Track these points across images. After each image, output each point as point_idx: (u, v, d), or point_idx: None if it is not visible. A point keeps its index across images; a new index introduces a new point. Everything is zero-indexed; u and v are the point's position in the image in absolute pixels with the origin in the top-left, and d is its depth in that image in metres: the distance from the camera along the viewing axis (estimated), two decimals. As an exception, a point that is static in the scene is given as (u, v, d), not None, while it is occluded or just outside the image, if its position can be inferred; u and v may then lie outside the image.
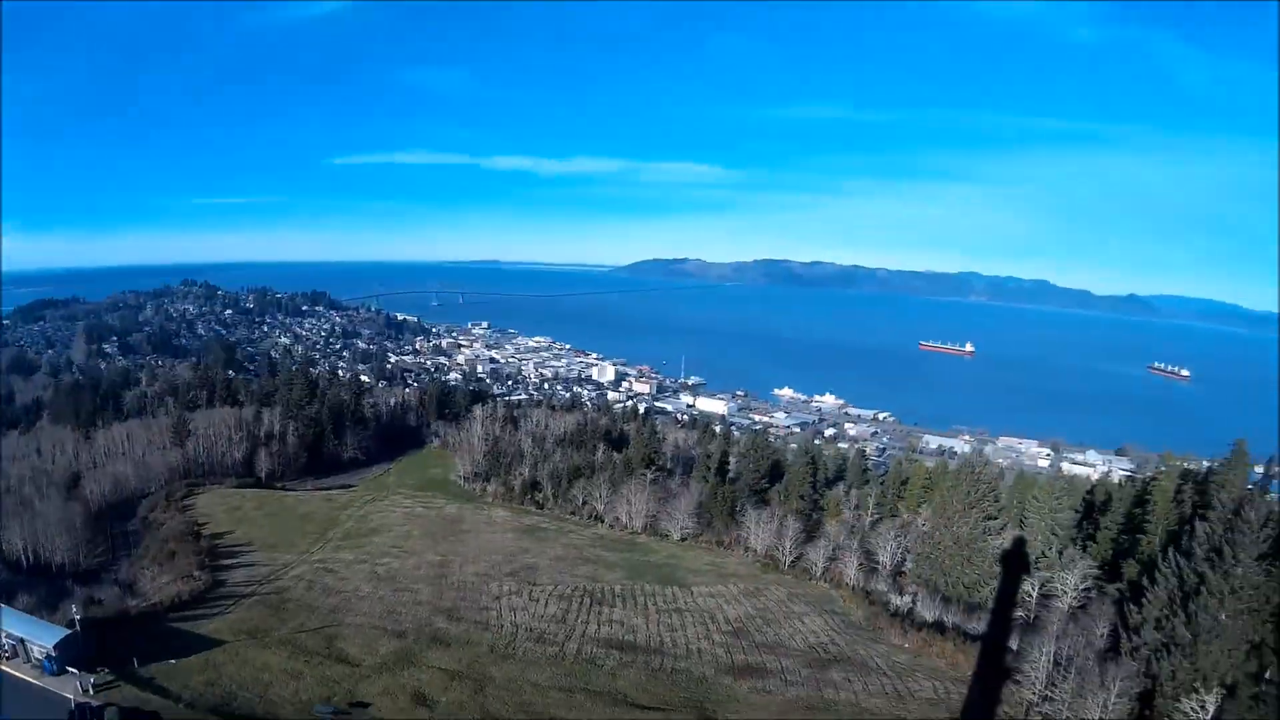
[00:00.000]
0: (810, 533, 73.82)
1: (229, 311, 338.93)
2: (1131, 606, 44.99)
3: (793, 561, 68.58)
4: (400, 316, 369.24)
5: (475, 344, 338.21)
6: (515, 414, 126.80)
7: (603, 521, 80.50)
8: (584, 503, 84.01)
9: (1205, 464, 69.52)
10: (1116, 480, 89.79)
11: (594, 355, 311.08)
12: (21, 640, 38.22)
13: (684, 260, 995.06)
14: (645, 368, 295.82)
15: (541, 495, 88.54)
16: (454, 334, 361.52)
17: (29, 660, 37.82)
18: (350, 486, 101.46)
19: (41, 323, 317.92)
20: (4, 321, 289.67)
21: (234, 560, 67.39)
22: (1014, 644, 51.36)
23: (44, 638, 38.32)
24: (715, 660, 47.57)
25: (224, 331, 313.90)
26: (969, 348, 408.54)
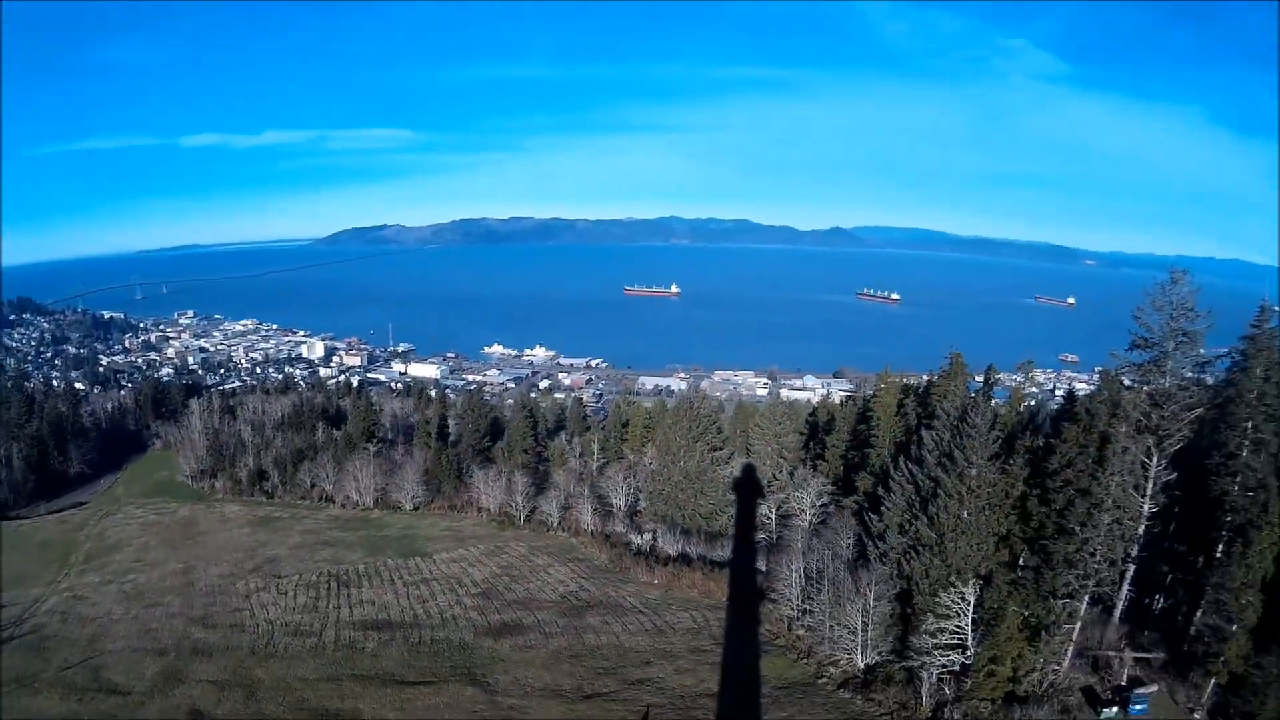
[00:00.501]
0: (540, 485, 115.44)
1: None
2: (872, 516, 69.18)
3: (528, 515, 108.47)
4: (106, 315, 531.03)
5: (183, 334, 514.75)
6: (231, 403, 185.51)
7: (334, 502, 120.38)
8: (312, 485, 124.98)
9: (924, 378, 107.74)
10: (837, 401, 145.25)
11: (302, 332, 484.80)
12: None
13: (382, 227, 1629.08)
14: (354, 340, 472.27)
15: (270, 484, 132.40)
16: (161, 327, 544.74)
17: None
18: (82, 504, 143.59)
19: None
20: None
21: None
22: (763, 565, 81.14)
23: None
24: (472, 624, 74.48)
25: None
26: (674, 289, 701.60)
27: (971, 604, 62.66)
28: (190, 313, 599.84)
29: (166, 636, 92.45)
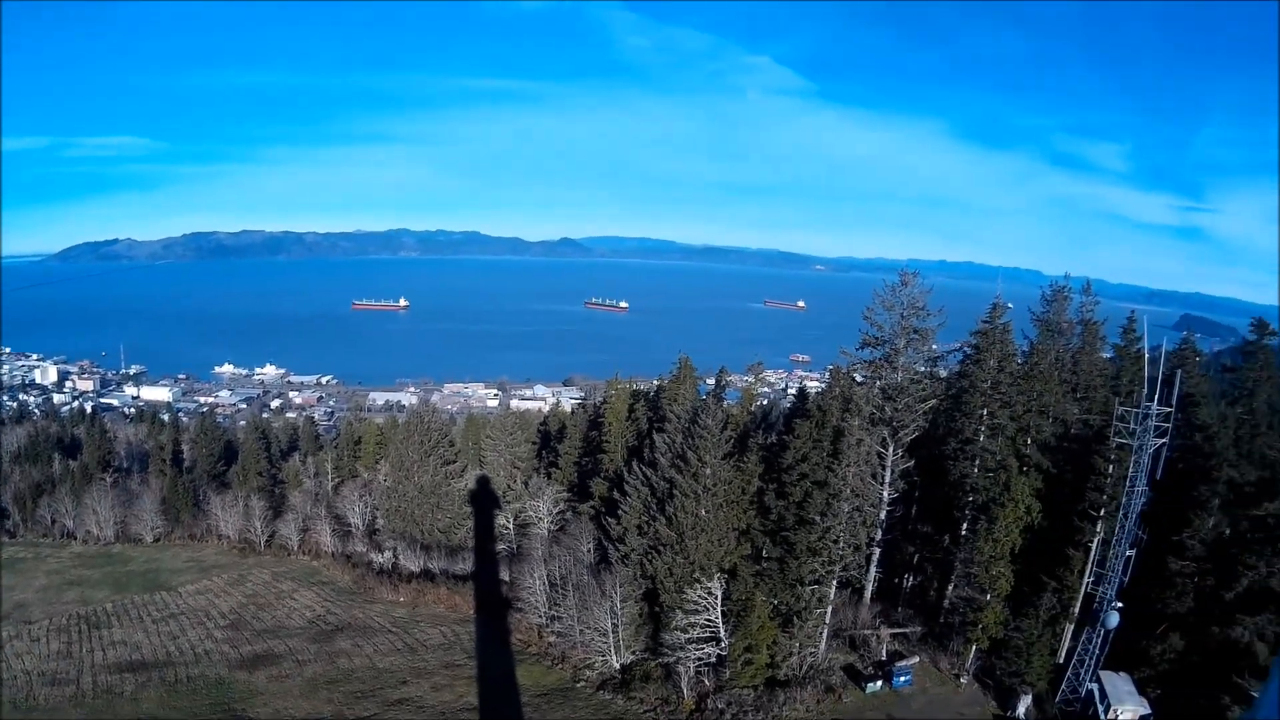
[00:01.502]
0: (277, 509, 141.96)
1: None
2: (610, 520, 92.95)
3: (268, 540, 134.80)
4: None
5: None
6: None
7: (75, 538, 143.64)
8: (53, 521, 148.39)
9: (655, 383, 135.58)
10: (568, 409, 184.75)
11: (35, 356, 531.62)
12: None
13: (114, 241, 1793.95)
14: (86, 363, 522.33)
15: (11, 522, 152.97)
16: None
17: None
18: None
19: None
20: None
21: None
22: (506, 575, 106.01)
23: None
24: (225, 658, 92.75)
25: None
26: (402, 302, 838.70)
27: (719, 597, 76.15)
28: None
29: None
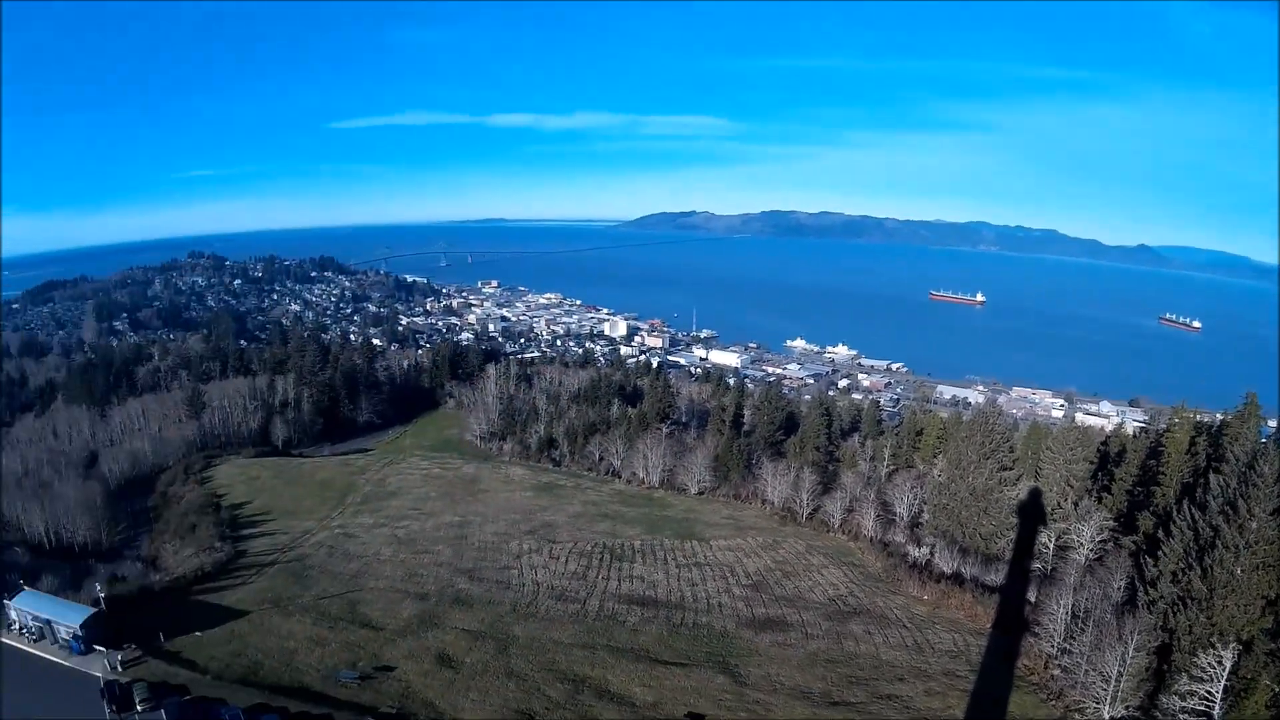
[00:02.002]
0: (827, 485, 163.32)
1: (238, 281, 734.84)
2: (1147, 559, 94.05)
3: (810, 514, 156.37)
4: (409, 279, 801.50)
5: (486, 303, 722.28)
6: (529, 372, 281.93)
7: (620, 477, 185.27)
8: (600, 459, 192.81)
9: (1218, 417, 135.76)
10: (1130, 432, 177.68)
11: (605, 310, 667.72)
12: (48, 622, 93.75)
13: (691, 213, 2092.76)
14: (657, 322, 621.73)
15: (558, 452, 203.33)
16: (464, 294, 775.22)
17: (56, 641, 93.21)
18: (367, 450, 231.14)
19: (50, 304, 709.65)
20: (13, 305, 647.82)
21: (254, 530, 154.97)
22: (1031, 596, 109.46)
23: (69, 618, 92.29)
24: (736, 614, 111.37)
25: (233, 302, 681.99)
26: (979, 297, 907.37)
27: (1226, 669, 72.63)
28: (494, 282, 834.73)
29: (430, 583, 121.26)
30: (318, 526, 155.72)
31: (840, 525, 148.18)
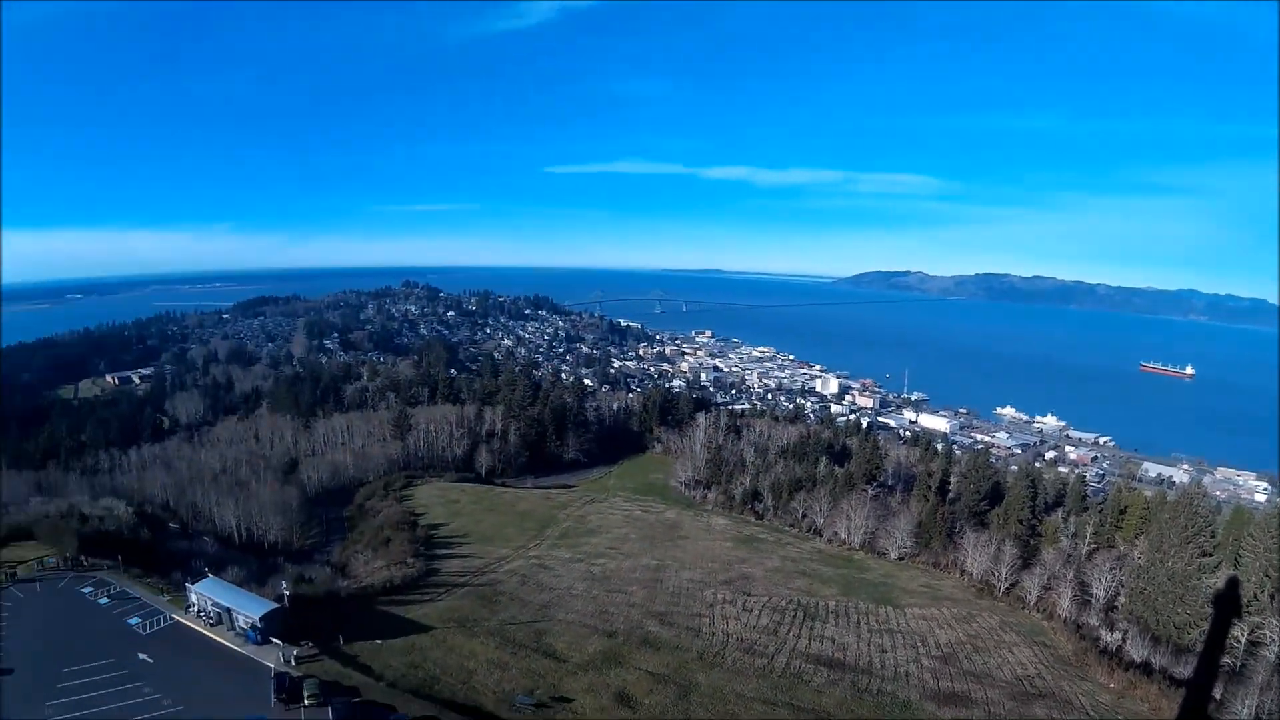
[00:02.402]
0: (1026, 559, 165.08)
1: (451, 313, 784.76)
2: None
3: (1007, 589, 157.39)
4: (623, 323, 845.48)
5: (698, 352, 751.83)
6: (738, 423, 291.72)
7: (821, 535, 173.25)
8: (803, 515, 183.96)
9: None
10: None
11: (818, 367, 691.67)
12: (228, 610, 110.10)
13: (905, 273, 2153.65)
14: (869, 381, 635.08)
15: (761, 506, 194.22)
16: (677, 341, 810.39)
17: (233, 629, 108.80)
18: (570, 487, 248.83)
19: (261, 317, 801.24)
20: (224, 315, 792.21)
21: (448, 551, 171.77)
22: (1218, 692, 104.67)
23: (250, 609, 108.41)
24: (921, 685, 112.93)
25: (445, 332, 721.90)
26: (1189, 370, 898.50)
27: None
28: (708, 332, 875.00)
29: (620, 621, 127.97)
30: (513, 555, 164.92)
31: (1036, 603, 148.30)
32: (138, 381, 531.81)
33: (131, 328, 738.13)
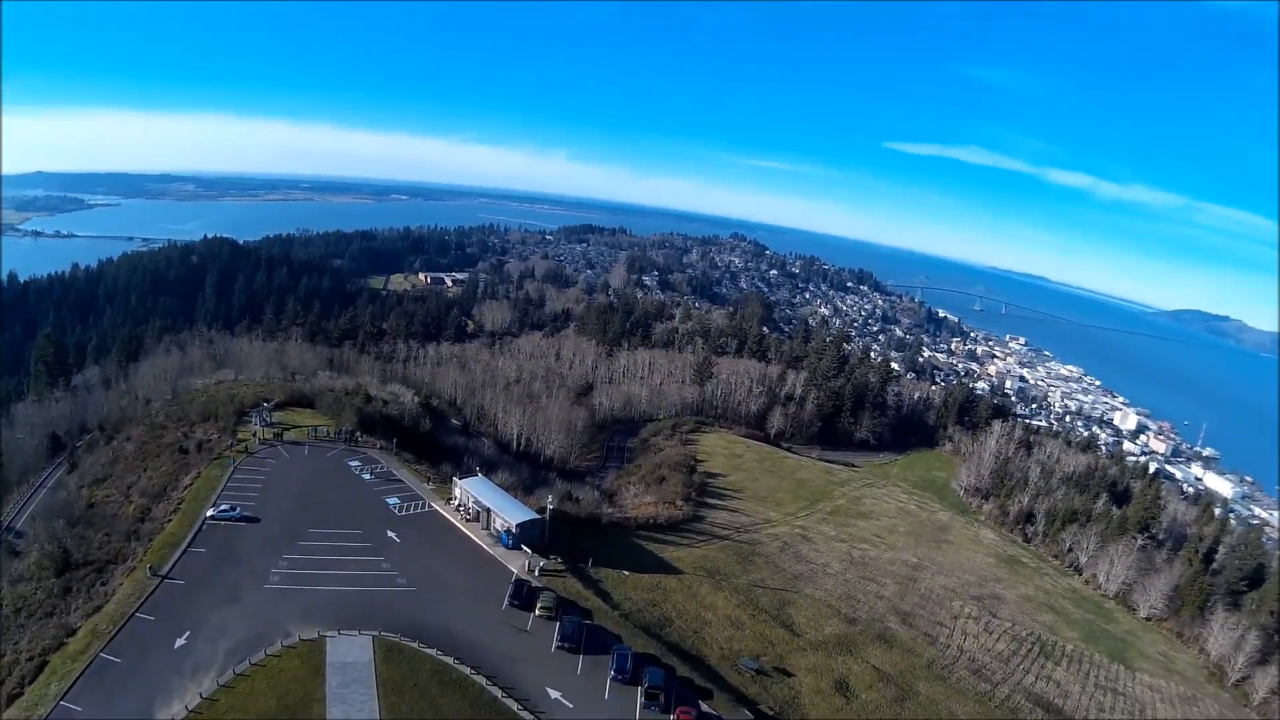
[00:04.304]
0: (1267, 654, 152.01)
1: (773, 272, 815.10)
2: None
3: (1237, 681, 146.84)
4: (941, 313, 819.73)
5: (1009, 358, 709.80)
6: (1030, 439, 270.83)
7: (1080, 574, 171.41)
8: (1069, 549, 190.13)
9: None
10: None
11: (1120, 399, 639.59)
12: (488, 510, 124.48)
13: (1225, 318, 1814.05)
14: (1166, 425, 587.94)
15: (1032, 529, 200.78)
16: (990, 343, 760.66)
17: (488, 529, 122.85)
18: (853, 466, 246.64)
19: (584, 244, 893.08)
20: (548, 236, 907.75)
21: (719, 501, 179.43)
22: None
23: (510, 513, 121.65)
24: None
25: (765, 289, 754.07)
26: None
27: None
28: (1022, 340, 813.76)
29: (864, 610, 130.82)
30: (780, 520, 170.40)
31: (1260, 703, 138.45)
32: (449, 284, 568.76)
33: (453, 233, 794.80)
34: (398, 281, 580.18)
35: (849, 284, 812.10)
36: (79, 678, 79.91)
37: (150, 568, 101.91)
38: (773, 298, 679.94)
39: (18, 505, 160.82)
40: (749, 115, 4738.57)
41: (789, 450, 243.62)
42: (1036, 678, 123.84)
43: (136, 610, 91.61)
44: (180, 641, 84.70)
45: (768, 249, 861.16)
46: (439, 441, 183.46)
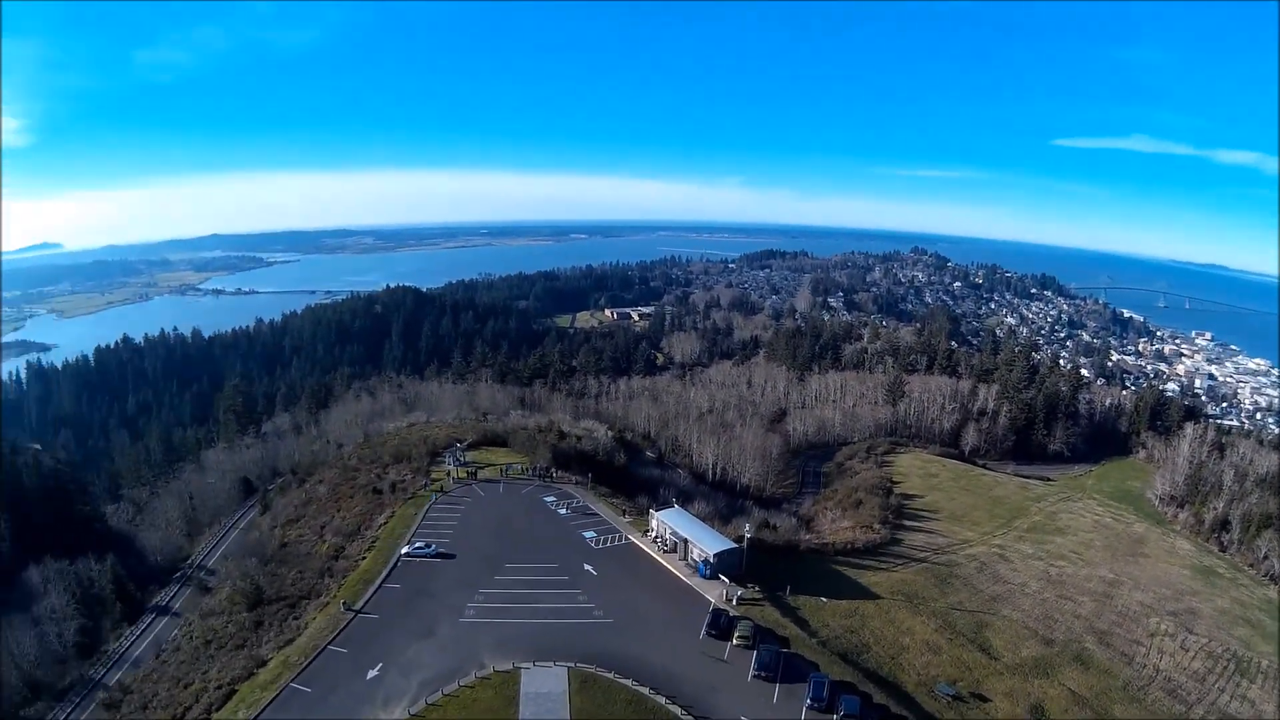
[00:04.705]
0: None
1: (957, 284, 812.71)
2: None
3: None
4: (1125, 313, 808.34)
5: (1196, 355, 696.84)
6: (1223, 441, 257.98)
7: (1275, 583, 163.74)
8: (1264, 556, 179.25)
9: None
10: None
11: None
12: (685, 541, 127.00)
13: None
14: None
15: (1227, 537, 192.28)
16: (1176, 340, 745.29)
17: (685, 559, 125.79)
18: (1048, 480, 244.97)
19: (767, 270, 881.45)
20: (730, 264, 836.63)
21: (915, 523, 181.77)
22: None
23: (706, 543, 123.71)
24: None
25: (950, 302, 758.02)
26: None
27: None
28: (1208, 335, 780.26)
29: (1060, 631, 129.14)
30: (977, 540, 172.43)
31: None
32: (636, 318, 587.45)
33: (635, 268, 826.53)
34: (584, 319, 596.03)
35: (1033, 290, 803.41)
36: (268, 706, 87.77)
37: (344, 602, 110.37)
38: (958, 310, 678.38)
39: (210, 545, 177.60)
40: (915, 126, 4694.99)
41: (984, 467, 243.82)
42: (1231, 697, 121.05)
43: (329, 643, 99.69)
44: (372, 673, 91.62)
45: (949, 261, 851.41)
46: (634, 475, 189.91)
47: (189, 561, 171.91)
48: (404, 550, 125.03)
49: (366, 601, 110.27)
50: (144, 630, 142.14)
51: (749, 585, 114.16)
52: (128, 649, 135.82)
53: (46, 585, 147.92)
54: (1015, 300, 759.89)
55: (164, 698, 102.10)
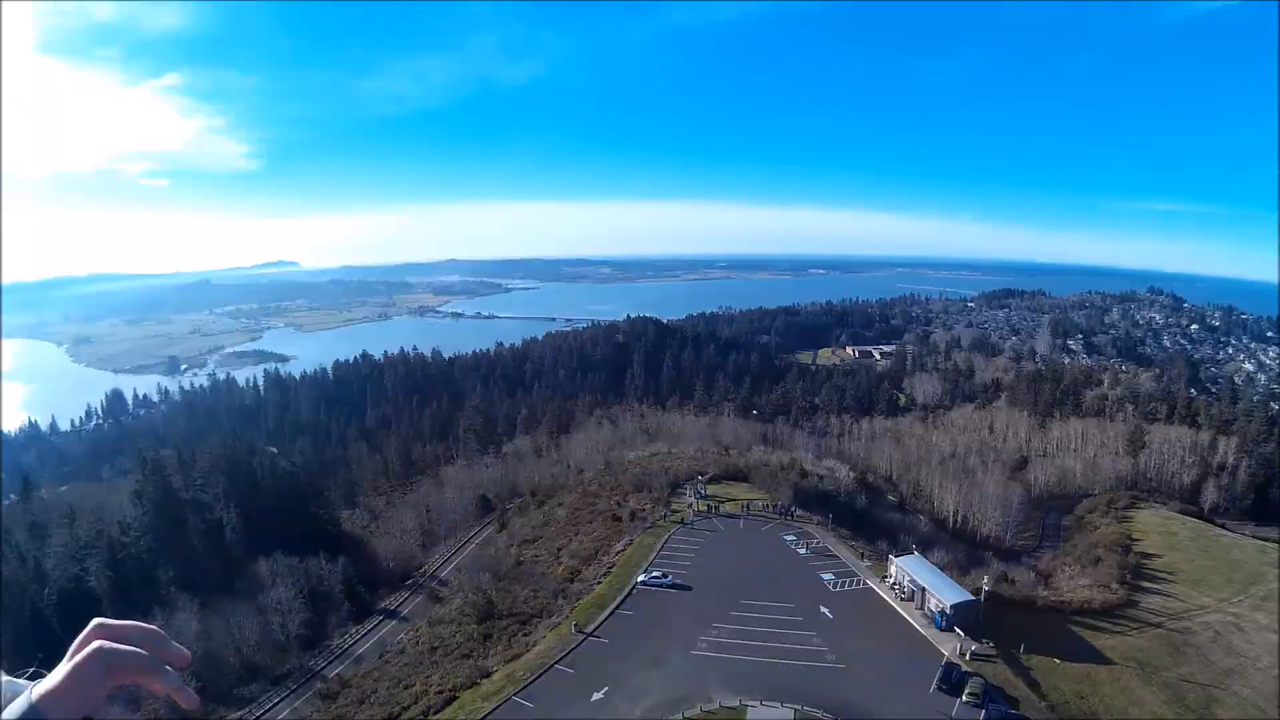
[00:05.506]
0: None
1: (1194, 326, 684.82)
2: None
3: None
4: None
5: None
6: None
7: None
8: None
9: None
10: None
11: None
12: (923, 590, 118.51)
13: None
14: None
15: None
16: None
17: (922, 608, 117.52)
18: None
19: (1006, 310, 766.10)
20: (969, 304, 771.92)
21: (1152, 585, 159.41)
22: None
23: (945, 594, 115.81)
24: None
25: (1188, 346, 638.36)
26: None
27: None
28: None
29: None
30: (1213, 606, 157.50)
31: None
32: (878, 357, 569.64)
33: (875, 305, 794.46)
34: (825, 355, 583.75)
35: (1269, 334, 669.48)
36: (488, 715, 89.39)
37: (575, 624, 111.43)
38: (1196, 355, 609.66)
39: (444, 556, 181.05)
40: (1134, 156, 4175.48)
41: (1223, 526, 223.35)
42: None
43: (557, 662, 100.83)
44: (597, 695, 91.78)
45: (1185, 301, 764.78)
46: (874, 518, 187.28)
47: (422, 571, 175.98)
48: (640, 578, 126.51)
49: (599, 625, 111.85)
50: (369, 630, 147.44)
51: (984, 640, 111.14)
52: (351, 645, 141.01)
53: (275, 578, 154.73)
54: (1252, 344, 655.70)
55: (382, 695, 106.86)
